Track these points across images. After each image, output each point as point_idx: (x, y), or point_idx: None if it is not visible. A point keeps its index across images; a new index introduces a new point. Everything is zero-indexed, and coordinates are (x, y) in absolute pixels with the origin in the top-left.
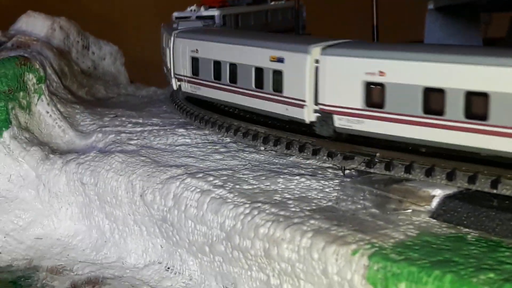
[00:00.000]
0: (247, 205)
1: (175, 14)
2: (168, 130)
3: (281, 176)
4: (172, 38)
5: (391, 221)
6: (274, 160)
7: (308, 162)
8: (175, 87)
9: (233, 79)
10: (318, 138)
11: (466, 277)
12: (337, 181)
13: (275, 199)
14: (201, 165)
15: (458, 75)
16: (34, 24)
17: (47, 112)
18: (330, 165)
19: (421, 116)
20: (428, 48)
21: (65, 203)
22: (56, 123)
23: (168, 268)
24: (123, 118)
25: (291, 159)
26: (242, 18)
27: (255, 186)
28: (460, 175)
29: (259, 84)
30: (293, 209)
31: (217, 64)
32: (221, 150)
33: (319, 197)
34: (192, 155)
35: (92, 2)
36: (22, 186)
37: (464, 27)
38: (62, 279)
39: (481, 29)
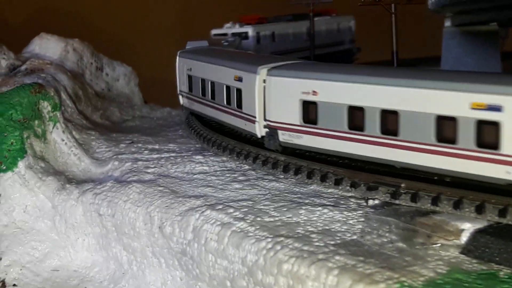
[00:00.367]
0: (269, 239)
1: (213, 31)
2: (186, 157)
3: (303, 207)
4: (177, 57)
5: (420, 256)
6: (294, 188)
7: (329, 191)
8: (181, 102)
9: (212, 95)
10: (341, 167)
11: None
12: (360, 212)
13: (298, 233)
14: (220, 195)
15: (374, 95)
16: (47, 47)
17: (63, 140)
18: (353, 195)
19: (346, 131)
20: (354, 70)
21: (82, 234)
22: (72, 151)
23: None
24: (139, 145)
25: (311, 187)
26: (279, 35)
27: (276, 218)
28: (490, 207)
29: (228, 100)
30: (317, 244)
31: (202, 82)
32: (240, 178)
33: (343, 229)
34: (211, 184)
35: (105, 23)
36: (38, 217)
37: (482, 43)
38: None
39: (499, 43)
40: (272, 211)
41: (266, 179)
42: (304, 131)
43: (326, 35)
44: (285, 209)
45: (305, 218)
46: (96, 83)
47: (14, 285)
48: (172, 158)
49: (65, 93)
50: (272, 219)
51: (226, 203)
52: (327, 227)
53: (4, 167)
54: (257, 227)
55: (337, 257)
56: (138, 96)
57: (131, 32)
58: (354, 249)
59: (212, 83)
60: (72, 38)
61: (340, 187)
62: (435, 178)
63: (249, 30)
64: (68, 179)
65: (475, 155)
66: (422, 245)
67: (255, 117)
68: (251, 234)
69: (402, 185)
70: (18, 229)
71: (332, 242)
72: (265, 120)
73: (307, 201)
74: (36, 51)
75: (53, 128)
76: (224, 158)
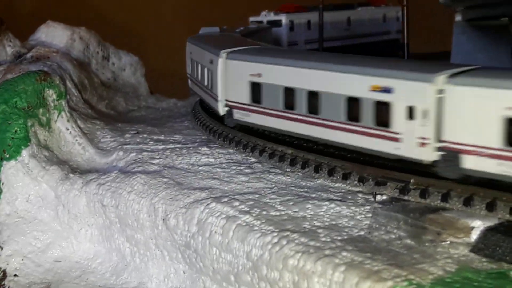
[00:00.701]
0: (275, 234)
1: (251, 18)
2: (191, 148)
3: (310, 202)
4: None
5: (428, 254)
6: (301, 182)
7: (336, 185)
8: (189, 85)
9: (197, 76)
10: (349, 161)
11: None
12: (368, 207)
13: (304, 227)
14: (226, 188)
15: (303, 77)
16: (54, 35)
17: (67, 129)
18: (361, 189)
19: (282, 110)
20: (293, 55)
21: (85, 225)
22: (76, 140)
23: None
24: (145, 135)
25: (319, 181)
26: (315, 24)
27: (283, 213)
28: (501, 205)
29: (205, 81)
30: (324, 239)
31: (194, 63)
32: (246, 171)
33: (350, 225)
34: (216, 177)
35: (112, 12)
36: (41, 206)
37: (493, 38)
38: None
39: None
40: (278, 205)
41: (273, 172)
42: (252, 110)
43: (369, 25)
44: (291, 203)
45: (312, 212)
46: (102, 73)
47: (15, 275)
48: (177, 149)
49: (71, 81)
50: (278, 213)
51: (231, 196)
52: (334, 222)
53: (8, 156)
54: (263, 221)
55: (344, 253)
56: (144, 86)
57: (139, 22)
58: (362, 245)
59: (197, 65)
60: (79, 26)
61: (348, 182)
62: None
63: (283, 18)
64: (72, 169)
65: (375, 133)
66: (431, 243)
67: (218, 96)
68: (256, 228)
69: (412, 180)
70: (20, 219)
71: (339, 238)
72: (226, 100)
73: (314, 195)
74: (42, 39)
75: (57, 116)
76: (230, 150)
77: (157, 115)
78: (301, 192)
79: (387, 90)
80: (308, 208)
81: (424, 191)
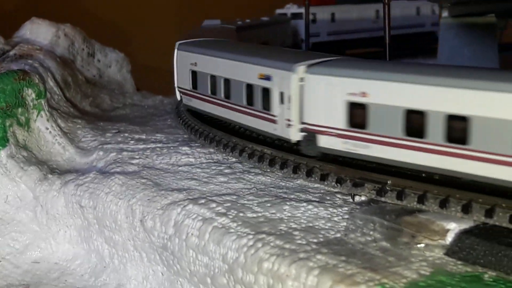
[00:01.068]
0: (250, 236)
1: (277, 10)
2: (172, 148)
3: (287, 203)
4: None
5: (403, 257)
6: (280, 183)
7: (316, 186)
8: None
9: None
10: (327, 163)
11: None
12: (346, 208)
13: (281, 230)
14: (204, 189)
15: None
16: (38, 32)
17: (47, 129)
18: (339, 190)
19: (222, 99)
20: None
21: (64, 226)
22: (56, 140)
23: None
24: (126, 134)
25: (298, 182)
26: (339, 17)
27: (259, 214)
28: (477, 207)
29: None
30: (299, 242)
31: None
32: (226, 171)
33: (327, 227)
34: (196, 177)
35: (97, 8)
36: (19, 207)
37: (480, 34)
38: None
39: (497, 35)
40: (256, 206)
41: (253, 173)
42: (193, 96)
43: (400, 18)
44: (269, 205)
45: (289, 214)
46: (87, 69)
47: None
48: (158, 149)
49: (53, 80)
50: (255, 215)
51: (209, 197)
52: (310, 224)
53: None
54: (239, 223)
55: (319, 256)
56: (130, 83)
57: (125, 18)
58: (337, 248)
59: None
60: (64, 23)
61: (326, 183)
62: (424, 175)
63: (303, 11)
64: (51, 169)
65: (262, 115)
66: (406, 245)
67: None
68: (232, 230)
69: (389, 182)
70: None
71: (315, 240)
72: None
73: (292, 196)
74: (27, 36)
75: (37, 116)
76: (211, 150)
77: (141, 112)
78: (279, 193)
79: (268, 78)
80: (285, 209)
81: (400, 192)
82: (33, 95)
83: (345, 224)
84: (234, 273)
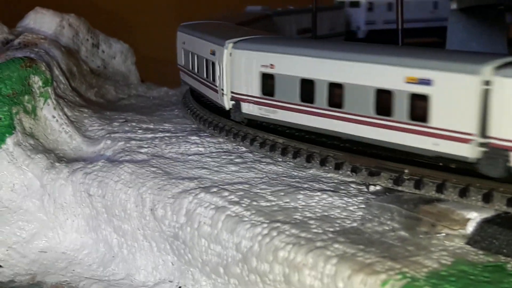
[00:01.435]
0: (265, 225)
1: None
2: (181, 137)
3: (301, 192)
4: None
5: (423, 246)
6: (293, 172)
7: (329, 175)
8: None
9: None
10: (341, 151)
11: None
12: (361, 198)
13: (295, 219)
14: (216, 178)
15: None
16: (42, 21)
17: (54, 117)
18: (353, 180)
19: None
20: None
21: (71, 215)
22: (63, 128)
23: (180, 287)
24: (133, 123)
25: (311, 171)
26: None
27: (273, 203)
28: (498, 196)
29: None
30: (315, 230)
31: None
32: (236, 160)
33: (342, 216)
34: (206, 166)
35: None
36: (26, 196)
37: (488, 28)
38: None
39: (507, 29)
40: (269, 195)
41: (264, 162)
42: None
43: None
44: (282, 194)
45: (303, 203)
46: (91, 60)
47: (0, 266)
48: (166, 138)
49: (58, 69)
50: (268, 204)
51: (221, 186)
52: (326, 213)
53: None
54: (253, 211)
55: (336, 245)
56: (134, 74)
57: (129, 9)
58: (354, 237)
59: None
60: (68, 13)
61: (340, 172)
62: (440, 164)
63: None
64: (58, 158)
65: (211, 86)
66: (426, 235)
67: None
68: (246, 219)
69: (406, 170)
70: (4, 208)
71: (331, 229)
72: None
73: (305, 185)
74: (30, 25)
75: (44, 104)
76: (221, 140)
77: (147, 103)
78: (292, 182)
79: (213, 53)
80: (299, 198)
81: (418, 181)
82: (40, 83)
83: (361, 213)
84: (248, 262)
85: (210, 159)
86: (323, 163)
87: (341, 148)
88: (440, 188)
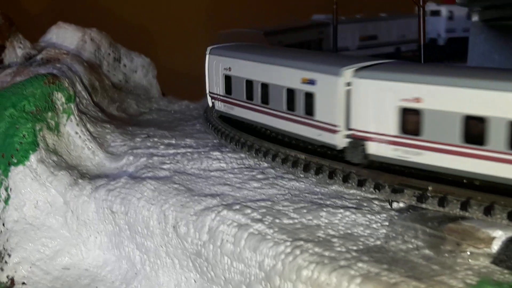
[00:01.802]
0: (288, 243)
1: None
2: (202, 153)
3: (324, 209)
4: None
5: (448, 265)
6: (315, 189)
7: (351, 192)
8: None
9: None
10: (365, 168)
11: None
12: (384, 215)
13: (319, 237)
14: (238, 194)
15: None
16: (65, 36)
17: (76, 133)
18: (376, 196)
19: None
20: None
21: (94, 232)
22: (86, 144)
23: None
24: (155, 139)
25: (333, 188)
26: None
27: (296, 221)
28: None
29: None
30: (339, 249)
31: None
32: (259, 176)
33: (366, 234)
34: (228, 183)
35: (123, 13)
36: (49, 212)
37: (510, 39)
38: None
39: None
40: (292, 212)
41: (286, 178)
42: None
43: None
44: (305, 211)
45: (326, 220)
46: (113, 74)
47: (23, 283)
48: (188, 154)
49: (81, 84)
50: (291, 221)
51: (243, 203)
52: (349, 231)
53: (15, 161)
54: (276, 229)
55: (360, 264)
56: (156, 88)
57: (151, 23)
58: (378, 255)
59: None
60: (90, 27)
61: (363, 189)
62: (465, 181)
63: (442, 9)
64: (81, 174)
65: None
66: (450, 253)
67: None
68: (269, 237)
69: (429, 188)
70: (28, 225)
71: (355, 248)
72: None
73: (328, 202)
74: (53, 40)
75: (66, 120)
76: (242, 155)
77: (168, 117)
78: (315, 199)
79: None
80: (322, 216)
81: (442, 199)
82: (63, 99)
83: (384, 231)
84: (271, 280)
85: (232, 175)
86: (345, 179)
87: (363, 165)
88: (464, 206)
